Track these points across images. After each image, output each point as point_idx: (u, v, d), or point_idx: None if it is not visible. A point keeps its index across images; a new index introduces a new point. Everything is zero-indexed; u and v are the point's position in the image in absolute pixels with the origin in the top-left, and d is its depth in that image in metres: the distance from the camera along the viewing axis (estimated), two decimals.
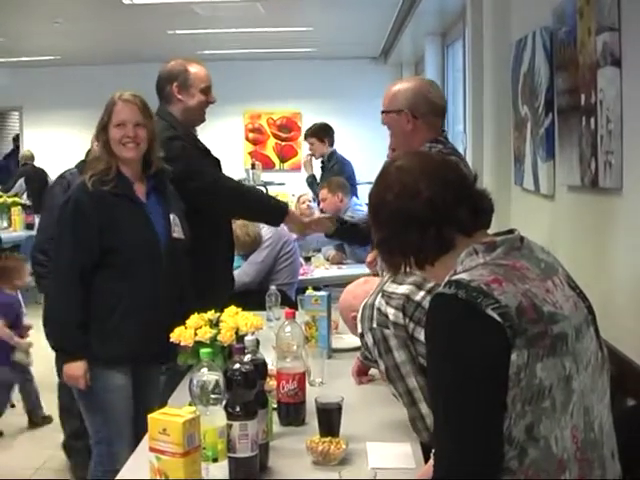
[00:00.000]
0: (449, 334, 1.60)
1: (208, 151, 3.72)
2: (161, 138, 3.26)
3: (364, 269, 4.38)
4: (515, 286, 1.60)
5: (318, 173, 7.64)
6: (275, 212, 3.64)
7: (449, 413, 1.59)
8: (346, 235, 4.04)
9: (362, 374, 2.85)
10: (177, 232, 3.11)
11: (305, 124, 12.64)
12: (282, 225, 3.88)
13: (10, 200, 9.01)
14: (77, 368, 2.93)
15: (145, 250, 3.01)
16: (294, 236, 5.51)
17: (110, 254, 2.96)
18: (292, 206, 7.17)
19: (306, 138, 7.60)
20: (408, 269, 1.84)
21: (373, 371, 2.79)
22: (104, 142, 3.00)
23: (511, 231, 1.77)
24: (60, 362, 2.98)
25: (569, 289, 1.73)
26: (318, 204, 6.60)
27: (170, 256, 3.05)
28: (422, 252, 1.77)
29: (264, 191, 4.74)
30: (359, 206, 6.42)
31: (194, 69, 3.57)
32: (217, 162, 3.74)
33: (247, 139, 12.99)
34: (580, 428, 1.61)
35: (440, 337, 1.63)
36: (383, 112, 3.05)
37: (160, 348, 2.79)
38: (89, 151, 3.93)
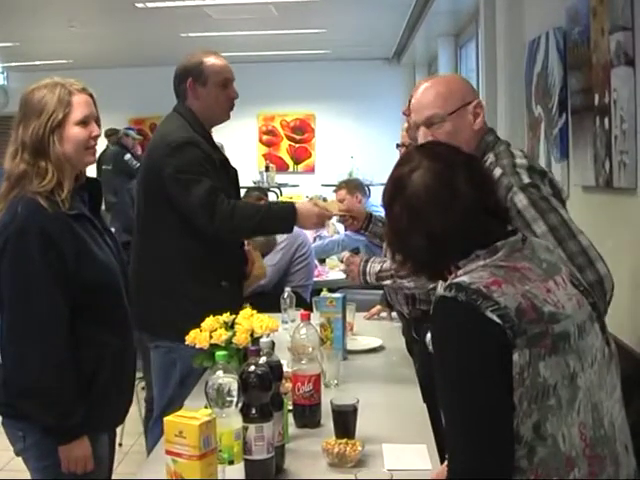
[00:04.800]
0: (451, 337, 1.62)
1: (225, 163, 3.36)
2: (176, 140, 3.08)
3: None
4: (515, 287, 1.61)
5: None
6: (284, 224, 3.24)
7: (457, 415, 1.60)
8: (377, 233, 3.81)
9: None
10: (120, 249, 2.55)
11: (319, 126, 12.70)
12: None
13: None
14: (83, 447, 2.31)
15: (117, 281, 2.44)
16: (309, 238, 5.50)
17: (88, 293, 2.31)
18: None
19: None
20: None
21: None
22: (53, 148, 2.27)
23: (513, 232, 1.76)
24: (49, 444, 2.29)
25: (572, 287, 1.73)
26: None
27: (125, 281, 2.51)
28: (421, 269, 1.84)
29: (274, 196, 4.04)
30: (375, 207, 6.43)
31: (210, 61, 3.23)
32: (234, 177, 3.41)
33: (261, 141, 12.99)
34: (589, 425, 1.61)
35: (443, 340, 1.64)
36: (446, 118, 2.30)
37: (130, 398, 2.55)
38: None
